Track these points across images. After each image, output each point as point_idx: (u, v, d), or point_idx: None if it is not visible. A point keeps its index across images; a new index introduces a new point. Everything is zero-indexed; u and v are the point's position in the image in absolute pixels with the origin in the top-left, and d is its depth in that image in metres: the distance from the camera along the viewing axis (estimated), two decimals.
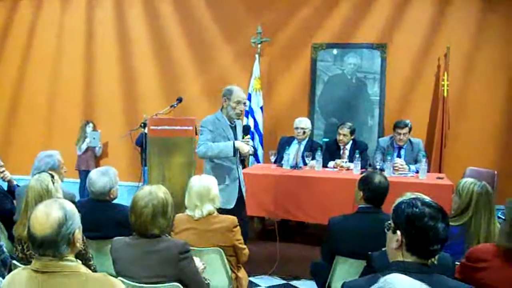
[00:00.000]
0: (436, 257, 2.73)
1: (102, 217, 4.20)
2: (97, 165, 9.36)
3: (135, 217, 3.25)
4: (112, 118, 9.59)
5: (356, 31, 8.62)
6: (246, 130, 5.67)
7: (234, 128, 5.59)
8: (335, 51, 8.71)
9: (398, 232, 2.39)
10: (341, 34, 8.67)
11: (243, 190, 5.71)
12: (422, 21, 8.36)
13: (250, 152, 5.56)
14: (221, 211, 4.35)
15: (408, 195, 3.02)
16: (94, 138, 9.25)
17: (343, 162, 7.06)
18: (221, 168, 5.49)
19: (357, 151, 6.92)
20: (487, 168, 7.38)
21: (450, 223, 3.80)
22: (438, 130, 8.00)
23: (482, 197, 3.90)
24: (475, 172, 6.92)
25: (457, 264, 3.37)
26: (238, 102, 5.49)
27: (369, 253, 3.12)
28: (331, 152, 7.43)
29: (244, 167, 6.12)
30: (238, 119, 5.66)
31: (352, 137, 7.47)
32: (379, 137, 8.15)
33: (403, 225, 2.39)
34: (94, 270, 3.60)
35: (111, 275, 2.66)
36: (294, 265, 6.10)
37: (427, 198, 2.51)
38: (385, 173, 6.34)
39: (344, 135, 7.39)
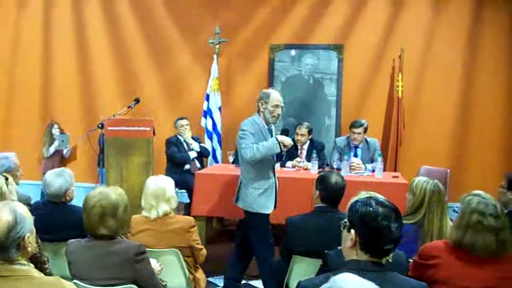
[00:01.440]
0: (391, 255, 2.74)
1: (58, 219, 4.13)
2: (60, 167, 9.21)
3: (85, 218, 3.22)
4: (70, 119, 9.43)
5: (313, 32, 8.67)
6: (285, 134, 5.49)
7: (270, 132, 5.44)
8: (293, 52, 8.74)
9: (353, 231, 2.39)
10: (299, 35, 8.71)
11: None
12: (377, 23, 8.46)
13: (291, 142, 5.36)
14: (259, 216, 4.27)
15: (363, 194, 3.03)
16: (63, 141, 9.06)
17: (301, 161, 7.09)
18: (261, 172, 5.33)
19: (314, 150, 6.96)
20: (440, 167, 7.49)
21: (405, 221, 3.85)
22: (393, 130, 8.12)
23: (435, 195, 3.92)
24: (428, 171, 7.03)
25: (411, 262, 3.40)
26: (277, 106, 5.32)
27: (325, 252, 3.13)
28: (289, 152, 7.41)
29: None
30: (275, 123, 5.48)
31: (310, 137, 7.51)
32: (336, 136, 8.22)
33: (357, 224, 2.39)
34: (50, 274, 3.52)
35: (67, 278, 2.61)
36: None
37: (381, 198, 2.51)
38: (342, 172, 6.39)
39: (301, 135, 7.42)
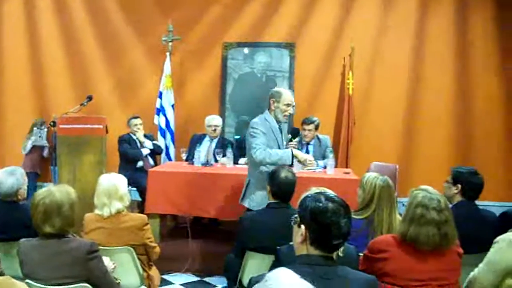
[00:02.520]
0: (341, 249, 2.79)
1: (10, 219, 4.08)
2: (41, 166, 9.09)
3: (32, 216, 3.20)
4: (22, 117, 9.26)
5: (265, 30, 8.72)
6: (295, 133, 5.48)
7: (281, 131, 5.36)
8: (245, 50, 8.76)
9: (303, 227, 2.41)
10: (251, 33, 8.75)
11: None
12: (328, 21, 8.56)
13: (308, 161, 5.29)
14: None
15: (314, 190, 3.08)
16: (40, 137, 8.88)
17: None
18: (266, 171, 5.12)
19: None
20: (389, 163, 7.63)
21: (356, 217, 3.93)
22: (345, 127, 8.23)
23: (384, 190, 4.00)
24: (379, 167, 7.14)
25: (361, 256, 3.47)
26: (288, 105, 5.25)
27: (277, 247, 3.16)
28: (242, 149, 7.43)
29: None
30: (286, 122, 5.40)
31: None
32: (288, 134, 8.23)
33: (307, 219, 2.42)
34: (1, 273, 3.47)
35: (19, 278, 2.58)
36: (207, 261, 6.09)
37: (331, 193, 2.54)
38: (294, 169, 6.40)
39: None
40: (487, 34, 8.34)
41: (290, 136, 5.58)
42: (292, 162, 5.11)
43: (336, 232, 2.37)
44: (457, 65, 8.40)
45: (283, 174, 4.16)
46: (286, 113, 5.26)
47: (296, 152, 5.18)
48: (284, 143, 5.39)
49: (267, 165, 5.10)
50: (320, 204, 2.41)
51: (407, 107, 8.42)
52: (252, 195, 5.20)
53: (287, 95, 5.29)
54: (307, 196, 2.51)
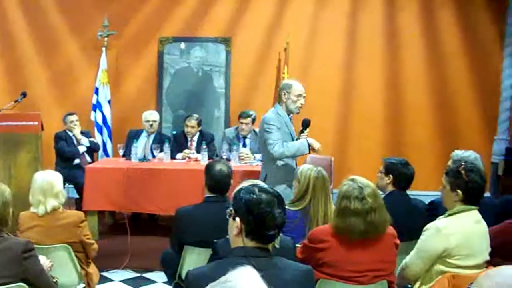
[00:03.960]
0: (278, 240, 2.82)
1: None
2: None
3: None
4: None
5: (201, 25, 8.70)
6: (306, 124, 5.36)
7: (291, 123, 5.35)
8: (182, 45, 8.72)
9: (238, 219, 2.41)
10: (188, 28, 8.71)
11: None
12: (263, 16, 8.61)
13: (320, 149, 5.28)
14: None
15: (247, 182, 3.11)
16: None
17: (190, 153, 7.12)
18: (287, 168, 5.24)
19: (204, 142, 7.03)
20: (324, 155, 7.74)
21: (292, 208, 3.98)
22: None
23: (318, 181, 4.05)
24: (314, 159, 7.22)
25: (298, 246, 3.52)
26: (299, 96, 5.25)
27: (214, 241, 3.18)
28: (179, 143, 7.46)
29: None
30: (298, 113, 5.35)
31: (199, 129, 7.55)
32: (225, 128, 8.29)
33: (241, 211, 2.41)
34: None
35: None
36: (146, 257, 6.05)
37: (264, 185, 2.55)
38: (231, 163, 6.47)
39: (191, 126, 7.44)
40: (415, 30, 8.62)
41: (301, 127, 5.44)
42: (309, 151, 5.17)
43: (270, 223, 2.38)
44: (388, 59, 8.63)
45: (218, 167, 4.16)
46: (298, 104, 5.26)
47: (311, 141, 5.19)
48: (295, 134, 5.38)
49: (283, 159, 5.18)
50: (254, 196, 2.41)
51: (341, 100, 8.57)
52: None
53: (297, 86, 5.30)
54: (240, 189, 2.51)
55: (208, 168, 4.18)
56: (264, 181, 5.20)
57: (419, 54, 8.66)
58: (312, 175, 4.08)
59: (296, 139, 5.24)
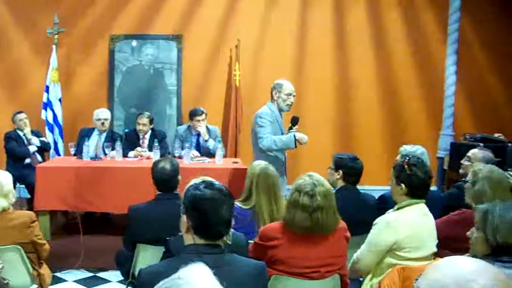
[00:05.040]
0: (230, 237, 2.80)
1: None
2: None
3: None
4: None
5: (153, 22, 8.60)
6: (295, 121, 5.64)
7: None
8: (133, 43, 8.61)
9: (185, 216, 2.40)
10: (139, 25, 8.60)
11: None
12: (214, 13, 8.58)
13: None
14: None
15: (198, 179, 3.07)
16: None
17: (143, 151, 7.05)
18: (275, 160, 5.47)
19: (156, 139, 6.95)
20: None
21: (242, 206, 3.96)
22: (233, 117, 8.30)
23: (261, 178, 4.02)
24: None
25: (250, 243, 3.51)
26: (289, 94, 5.65)
27: (167, 238, 3.15)
28: (131, 142, 7.35)
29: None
30: (288, 110, 5.75)
31: (151, 126, 7.46)
32: (178, 125, 8.23)
33: (188, 208, 2.40)
34: None
35: None
36: (100, 256, 5.95)
37: (213, 181, 2.53)
38: (184, 160, 6.45)
39: (143, 124, 7.36)
40: (363, 29, 8.75)
41: (290, 124, 5.74)
42: (296, 145, 5.50)
43: (214, 219, 2.37)
44: (337, 56, 8.73)
45: (161, 164, 4.14)
46: (288, 102, 5.66)
47: (299, 136, 5.50)
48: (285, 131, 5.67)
49: (273, 152, 5.55)
50: (199, 192, 2.40)
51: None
52: None
53: (287, 85, 5.71)
54: (190, 185, 2.50)
55: (153, 166, 4.18)
56: None
57: (367, 52, 8.79)
58: (256, 172, 4.06)
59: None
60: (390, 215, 3.58)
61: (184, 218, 2.40)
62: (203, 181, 2.50)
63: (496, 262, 2.38)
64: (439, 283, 1.35)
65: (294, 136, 5.47)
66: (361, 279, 3.79)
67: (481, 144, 6.14)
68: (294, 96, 5.73)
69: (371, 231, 3.60)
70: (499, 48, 8.73)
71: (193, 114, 7.31)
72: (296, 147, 5.58)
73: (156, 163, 4.18)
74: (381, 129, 8.81)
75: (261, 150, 5.52)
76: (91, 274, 5.77)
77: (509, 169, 4.90)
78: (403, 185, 3.55)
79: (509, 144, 7.09)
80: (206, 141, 7.20)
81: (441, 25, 8.66)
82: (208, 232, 2.39)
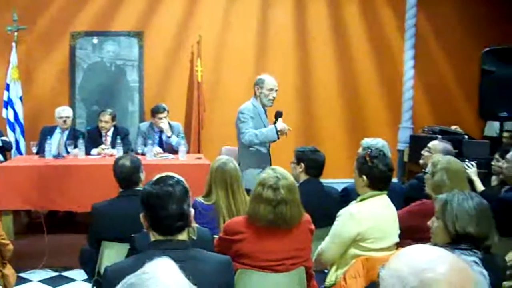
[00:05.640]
0: (195, 232, 2.79)
1: None
2: None
3: None
4: None
5: (114, 19, 8.47)
6: (279, 115, 5.64)
7: (265, 115, 5.64)
8: (94, 40, 8.48)
9: (143, 213, 2.41)
10: (100, 22, 8.44)
11: None
12: (175, 9, 8.50)
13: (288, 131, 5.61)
14: None
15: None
16: None
17: (105, 148, 6.98)
18: (258, 154, 5.60)
19: (118, 137, 6.90)
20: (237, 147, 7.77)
21: (204, 202, 3.94)
22: (195, 113, 8.24)
23: (218, 173, 3.98)
24: (229, 151, 7.20)
25: (216, 238, 3.49)
26: (271, 89, 5.64)
27: (132, 235, 3.12)
28: (94, 139, 7.27)
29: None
30: (271, 105, 5.73)
31: (114, 124, 7.38)
32: (140, 122, 8.16)
33: (142, 205, 2.42)
34: None
35: None
36: (65, 255, 5.86)
37: (174, 177, 2.50)
38: (147, 157, 6.42)
39: (105, 121, 7.27)
40: (324, 25, 8.79)
41: (274, 119, 5.74)
42: (278, 136, 5.51)
43: (164, 214, 2.36)
44: (298, 52, 8.75)
45: (121, 162, 4.10)
46: (270, 97, 5.65)
47: (280, 127, 5.51)
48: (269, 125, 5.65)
49: (255, 146, 5.56)
50: (149, 188, 2.41)
51: (253, 92, 8.55)
52: (245, 175, 5.12)
53: (269, 81, 5.70)
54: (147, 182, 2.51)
55: (114, 164, 4.14)
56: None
57: (327, 48, 8.82)
58: (214, 167, 4.04)
59: None
60: (353, 207, 3.62)
61: (141, 215, 2.41)
62: (159, 178, 2.48)
63: (456, 250, 2.43)
64: (397, 272, 1.36)
65: (276, 127, 5.48)
66: (326, 271, 3.81)
67: (439, 136, 6.25)
68: (276, 91, 5.72)
69: (335, 223, 3.62)
70: (455, 42, 8.86)
71: (155, 111, 7.27)
72: (279, 138, 5.57)
73: (116, 161, 4.15)
74: (342, 123, 8.86)
75: (244, 145, 5.56)
76: (56, 274, 5.69)
77: (465, 160, 4.99)
78: (364, 177, 3.59)
79: (466, 136, 7.26)
80: (169, 137, 7.18)
81: (399, 20, 8.77)
82: (161, 228, 2.39)
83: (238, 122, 5.60)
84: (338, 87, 8.86)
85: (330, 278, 3.66)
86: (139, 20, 8.49)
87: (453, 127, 7.62)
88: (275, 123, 5.64)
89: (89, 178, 6.12)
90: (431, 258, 1.37)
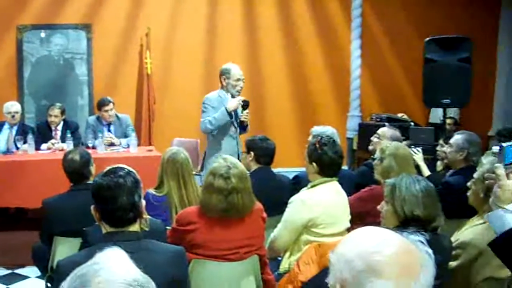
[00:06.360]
0: (147, 223, 2.76)
1: None
2: None
3: None
4: None
5: (61, 12, 8.27)
6: (245, 105, 5.53)
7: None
8: (42, 33, 8.29)
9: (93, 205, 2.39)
10: (47, 15, 8.24)
11: None
12: (123, 2, 8.37)
13: (240, 103, 5.51)
14: None
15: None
16: None
17: (56, 143, 6.85)
18: (225, 143, 5.56)
19: (68, 130, 6.80)
20: (191, 138, 7.74)
21: (156, 193, 3.90)
22: (145, 106, 8.18)
23: (169, 164, 3.95)
24: (180, 142, 7.17)
25: (168, 229, 3.47)
26: (238, 80, 5.57)
27: (83, 229, 3.07)
28: (44, 134, 7.11)
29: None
30: (239, 94, 5.59)
31: (63, 118, 7.23)
32: (90, 115, 8.01)
33: (93, 197, 2.40)
34: None
35: None
36: (17, 253, 5.73)
37: (124, 168, 2.46)
38: (98, 150, 6.34)
39: (55, 116, 7.11)
40: (273, 18, 8.81)
41: (241, 108, 5.67)
42: (230, 115, 5.43)
43: (115, 206, 2.34)
44: (247, 42, 8.75)
45: (70, 156, 4.04)
46: (238, 87, 5.58)
47: (228, 105, 5.42)
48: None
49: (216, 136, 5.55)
50: (99, 180, 2.39)
51: (204, 83, 8.52)
52: (207, 165, 5.29)
53: (236, 70, 5.62)
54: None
55: (63, 158, 4.09)
56: (204, 158, 5.71)
57: (276, 38, 8.84)
58: (165, 158, 4.01)
59: (237, 120, 5.58)
60: (304, 193, 3.65)
61: (92, 207, 2.39)
62: (109, 170, 2.45)
63: (404, 233, 2.46)
64: (345, 257, 1.37)
65: (225, 107, 5.41)
66: (279, 258, 3.83)
67: (387, 124, 6.34)
68: (243, 80, 5.67)
69: (286, 209, 3.65)
70: (399, 31, 9.01)
71: (101, 104, 7.17)
72: (232, 117, 5.50)
73: (65, 155, 4.09)
74: (292, 113, 8.91)
75: (210, 134, 5.59)
76: (9, 271, 5.57)
77: (412, 146, 5.09)
78: (314, 164, 3.64)
79: (412, 124, 7.40)
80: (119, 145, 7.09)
81: (345, 10, 8.85)
82: (112, 219, 2.37)
83: (201, 112, 5.61)
84: (287, 78, 8.90)
85: (284, 264, 3.68)
86: (87, 13, 8.32)
87: (399, 115, 7.76)
88: (242, 112, 5.63)
89: (40, 174, 5.99)
90: (378, 241, 1.38)
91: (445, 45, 7.05)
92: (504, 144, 2.20)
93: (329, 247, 3.10)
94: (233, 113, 5.51)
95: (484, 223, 2.81)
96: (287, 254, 3.68)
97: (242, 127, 5.71)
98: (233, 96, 5.58)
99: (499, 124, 8.71)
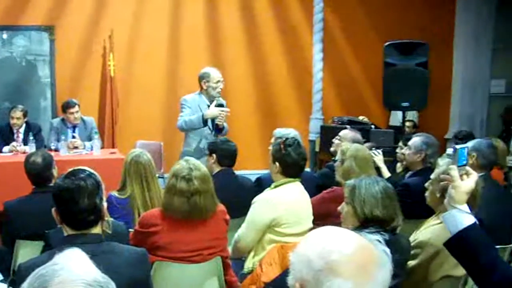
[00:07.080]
0: (110, 226, 2.75)
1: None
2: None
3: None
4: None
5: (23, 13, 8.12)
6: (220, 106, 5.55)
7: (222, 106, 5.64)
8: (4, 34, 8.13)
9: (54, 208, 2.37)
10: (9, 16, 8.07)
11: None
12: (86, 3, 8.25)
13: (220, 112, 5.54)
14: None
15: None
16: None
17: (18, 145, 6.73)
18: (202, 143, 5.56)
19: (31, 133, 6.68)
20: (154, 140, 7.69)
21: (119, 195, 3.87)
22: (109, 108, 8.09)
23: (131, 166, 3.92)
24: (144, 145, 7.11)
25: (131, 231, 3.44)
26: (218, 81, 5.66)
27: (45, 231, 3.03)
28: (5, 136, 6.97)
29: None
30: (219, 96, 5.68)
31: (25, 120, 7.10)
32: (53, 118, 7.89)
33: (54, 200, 2.38)
34: None
35: None
36: None
37: (85, 171, 2.43)
38: (61, 152, 6.25)
39: (17, 118, 6.97)
40: (235, 19, 8.82)
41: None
42: (205, 124, 5.49)
43: (76, 208, 2.32)
44: (210, 45, 8.70)
45: (32, 158, 3.99)
46: (218, 89, 5.68)
47: (206, 112, 5.47)
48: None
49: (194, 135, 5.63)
50: (60, 182, 2.37)
51: (167, 86, 8.50)
52: None
53: (215, 73, 5.72)
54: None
55: (25, 161, 4.04)
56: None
57: (238, 42, 8.85)
58: (128, 161, 3.97)
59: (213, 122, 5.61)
60: (267, 193, 3.68)
61: (53, 210, 2.36)
62: (69, 172, 2.42)
63: (363, 233, 2.50)
64: (304, 257, 1.38)
65: (203, 114, 5.45)
66: (243, 259, 3.83)
67: (348, 127, 6.40)
68: (223, 82, 5.77)
69: (250, 209, 3.66)
70: (360, 35, 9.11)
71: (66, 106, 7.06)
72: (206, 125, 5.52)
73: (27, 157, 4.03)
74: (255, 116, 8.93)
75: (187, 134, 5.70)
76: None
77: (372, 148, 5.14)
78: (277, 164, 3.68)
79: (372, 126, 7.49)
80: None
81: (307, 15, 8.87)
82: (73, 222, 2.35)
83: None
84: (250, 80, 8.91)
85: (248, 264, 3.70)
86: (50, 14, 8.19)
87: (360, 118, 7.84)
88: None
89: (1, 177, 5.87)
90: (336, 240, 1.39)
91: (403, 49, 7.17)
92: (457, 146, 2.25)
93: (291, 249, 3.13)
94: (209, 119, 5.55)
95: (440, 223, 2.85)
96: (251, 254, 3.69)
97: (218, 129, 5.70)
98: (211, 99, 5.65)
99: (456, 127, 8.89)
